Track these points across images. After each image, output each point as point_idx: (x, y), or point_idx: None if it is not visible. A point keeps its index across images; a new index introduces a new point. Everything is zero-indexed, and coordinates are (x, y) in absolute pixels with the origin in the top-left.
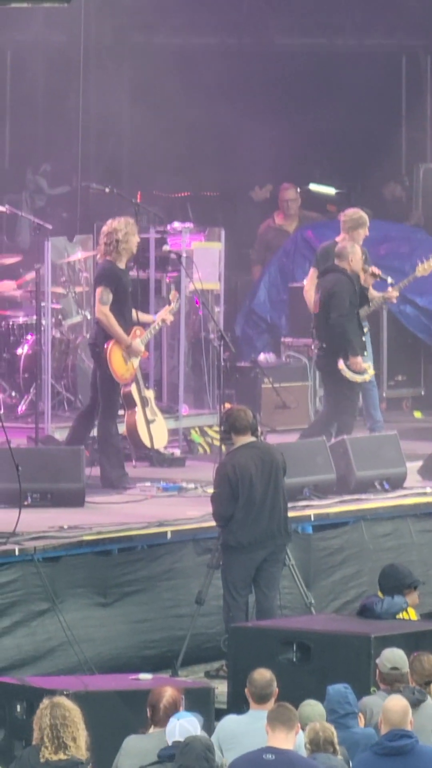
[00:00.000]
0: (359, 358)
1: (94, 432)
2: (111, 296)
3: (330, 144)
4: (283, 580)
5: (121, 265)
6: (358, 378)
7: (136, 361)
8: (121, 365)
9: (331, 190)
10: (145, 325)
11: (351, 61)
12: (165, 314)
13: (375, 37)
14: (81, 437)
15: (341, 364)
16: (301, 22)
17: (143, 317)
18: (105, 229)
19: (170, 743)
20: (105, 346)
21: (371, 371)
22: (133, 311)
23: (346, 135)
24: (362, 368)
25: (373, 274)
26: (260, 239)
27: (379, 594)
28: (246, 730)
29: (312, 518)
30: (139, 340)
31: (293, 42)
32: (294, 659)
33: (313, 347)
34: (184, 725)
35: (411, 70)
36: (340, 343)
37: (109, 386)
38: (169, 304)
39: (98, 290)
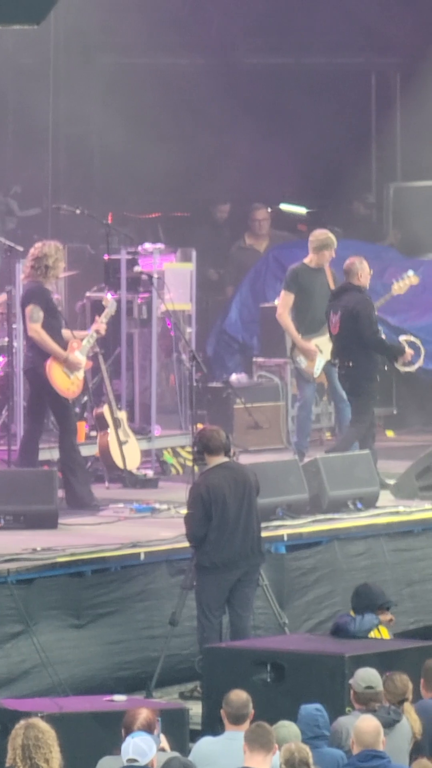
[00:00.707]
0: (406, 353)
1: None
2: (41, 314)
3: (301, 163)
4: (257, 601)
5: (48, 287)
6: (413, 368)
7: (80, 374)
8: (64, 380)
9: (301, 210)
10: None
11: (320, 79)
12: (98, 324)
13: (344, 56)
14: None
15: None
16: (269, 42)
17: (79, 334)
18: (35, 252)
19: (125, 762)
20: (44, 366)
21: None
22: (68, 331)
23: (316, 154)
24: (409, 358)
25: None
26: (231, 260)
27: (352, 613)
28: (222, 751)
29: (285, 538)
30: (77, 351)
31: (262, 61)
32: (268, 679)
33: (336, 367)
34: (138, 743)
35: (381, 89)
36: (385, 354)
37: (59, 405)
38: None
39: (28, 309)
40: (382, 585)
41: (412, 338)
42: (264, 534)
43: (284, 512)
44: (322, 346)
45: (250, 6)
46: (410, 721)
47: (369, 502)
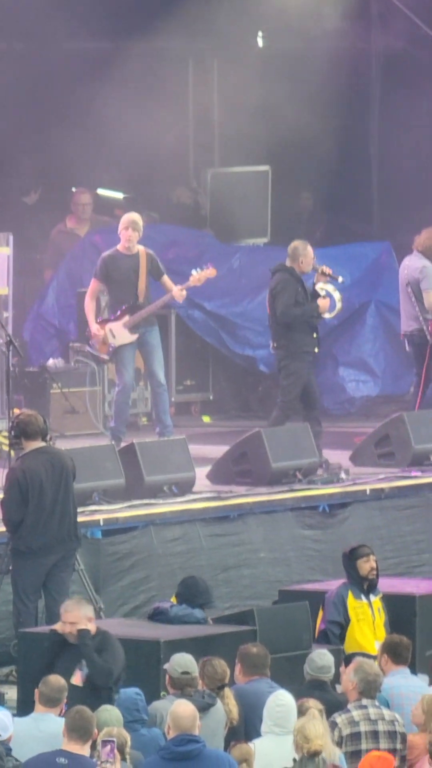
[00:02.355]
0: (320, 303)
1: None
2: None
3: (118, 148)
4: (73, 585)
5: None
6: (333, 313)
7: None
8: None
9: (118, 195)
10: None
11: (138, 62)
12: None
13: (163, 41)
14: None
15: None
16: (87, 26)
17: None
18: None
19: None
20: None
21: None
22: None
23: (133, 138)
24: (327, 306)
25: (324, 273)
26: (51, 243)
27: (173, 599)
28: (31, 732)
29: (101, 523)
30: None
31: (80, 45)
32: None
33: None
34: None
35: (198, 73)
36: (303, 320)
37: None
38: None
39: None
40: (197, 570)
41: (323, 287)
42: (80, 519)
43: (100, 497)
44: (117, 332)
45: None
46: (229, 706)
47: (185, 488)
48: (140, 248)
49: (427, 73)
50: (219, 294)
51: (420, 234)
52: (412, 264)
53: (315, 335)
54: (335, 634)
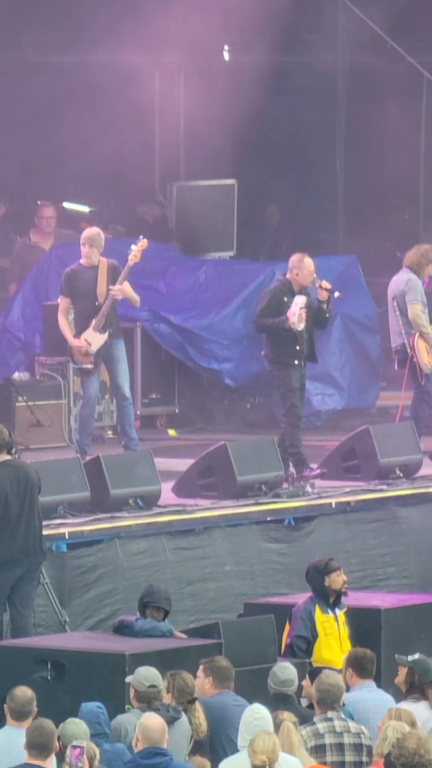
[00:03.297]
0: (287, 318)
1: None
2: None
3: (84, 161)
4: (38, 598)
5: None
6: (300, 326)
7: None
8: None
9: (84, 209)
10: None
11: (104, 76)
12: None
13: (129, 53)
14: None
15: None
16: (54, 39)
17: None
18: None
19: None
20: None
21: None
22: None
23: (100, 152)
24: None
25: (323, 288)
26: (15, 257)
27: (137, 613)
28: (3, 747)
29: (66, 536)
30: None
31: (47, 59)
32: (49, 677)
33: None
34: None
35: (164, 86)
36: (274, 331)
37: None
38: None
39: None
40: (164, 583)
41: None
42: (45, 532)
43: (66, 510)
44: (90, 339)
45: (36, 2)
46: (199, 720)
47: (150, 501)
48: (102, 260)
49: (393, 85)
50: (185, 307)
51: (410, 250)
52: (399, 278)
53: (298, 347)
54: (301, 648)
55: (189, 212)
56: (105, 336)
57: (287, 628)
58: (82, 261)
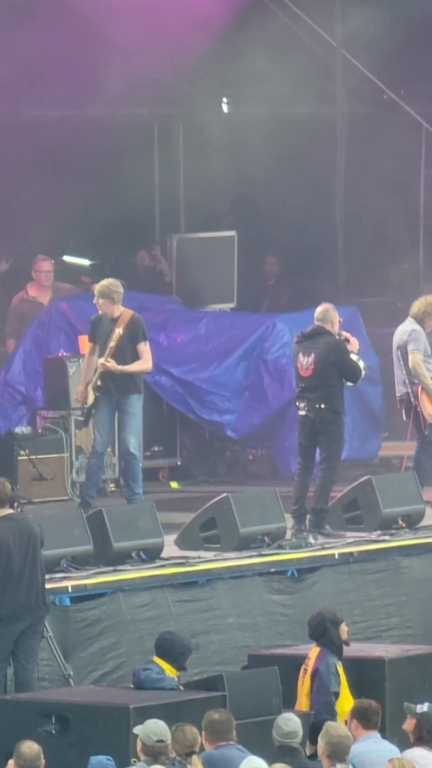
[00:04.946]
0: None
1: None
2: None
3: (84, 214)
4: (42, 652)
5: None
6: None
7: None
8: None
9: (85, 262)
10: None
11: (104, 129)
12: None
13: (127, 107)
14: None
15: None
16: (53, 94)
17: None
18: None
19: None
20: None
21: None
22: None
23: (99, 205)
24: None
25: (346, 339)
26: (13, 311)
27: (155, 658)
28: None
29: (70, 590)
30: None
31: (45, 113)
32: (53, 731)
33: (304, 412)
34: None
35: (163, 139)
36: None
37: None
38: None
39: None
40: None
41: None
42: (48, 586)
43: (69, 564)
44: (89, 392)
45: (33, 58)
46: None
47: (153, 553)
48: (126, 313)
49: (391, 136)
50: (186, 360)
51: (415, 300)
52: (403, 328)
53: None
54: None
55: (189, 264)
56: (92, 397)
57: (307, 682)
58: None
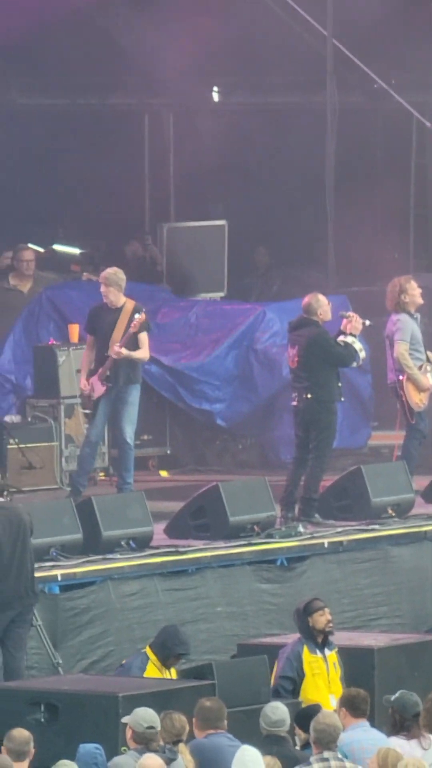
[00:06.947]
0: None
1: None
2: None
3: (73, 203)
4: (31, 641)
5: None
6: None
7: None
8: None
9: (75, 251)
10: None
11: (93, 118)
12: None
13: (117, 95)
14: None
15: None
16: (43, 82)
17: None
18: None
19: None
20: None
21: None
22: None
23: (89, 194)
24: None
25: (348, 319)
26: None
27: (146, 649)
28: None
29: (59, 578)
30: None
31: (35, 102)
32: (42, 719)
33: (296, 402)
34: None
35: (153, 129)
36: (348, 362)
37: None
38: None
39: None
40: (155, 624)
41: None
42: (38, 574)
43: (58, 552)
44: (95, 385)
45: (24, 46)
46: (185, 761)
47: (143, 542)
48: (129, 303)
49: (382, 126)
50: (176, 349)
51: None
52: (392, 318)
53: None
54: (287, 689)
55: (179, 253)
56: (103, 389)
57: (275, 668)
58: (105, 300)
